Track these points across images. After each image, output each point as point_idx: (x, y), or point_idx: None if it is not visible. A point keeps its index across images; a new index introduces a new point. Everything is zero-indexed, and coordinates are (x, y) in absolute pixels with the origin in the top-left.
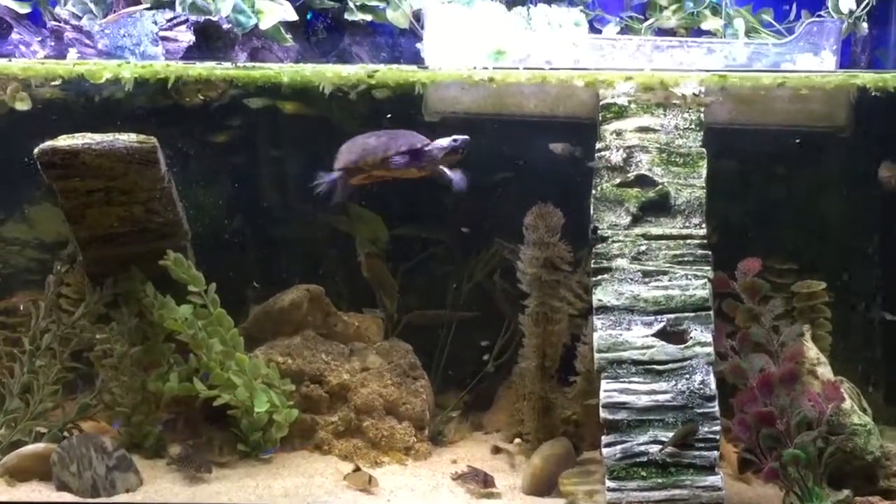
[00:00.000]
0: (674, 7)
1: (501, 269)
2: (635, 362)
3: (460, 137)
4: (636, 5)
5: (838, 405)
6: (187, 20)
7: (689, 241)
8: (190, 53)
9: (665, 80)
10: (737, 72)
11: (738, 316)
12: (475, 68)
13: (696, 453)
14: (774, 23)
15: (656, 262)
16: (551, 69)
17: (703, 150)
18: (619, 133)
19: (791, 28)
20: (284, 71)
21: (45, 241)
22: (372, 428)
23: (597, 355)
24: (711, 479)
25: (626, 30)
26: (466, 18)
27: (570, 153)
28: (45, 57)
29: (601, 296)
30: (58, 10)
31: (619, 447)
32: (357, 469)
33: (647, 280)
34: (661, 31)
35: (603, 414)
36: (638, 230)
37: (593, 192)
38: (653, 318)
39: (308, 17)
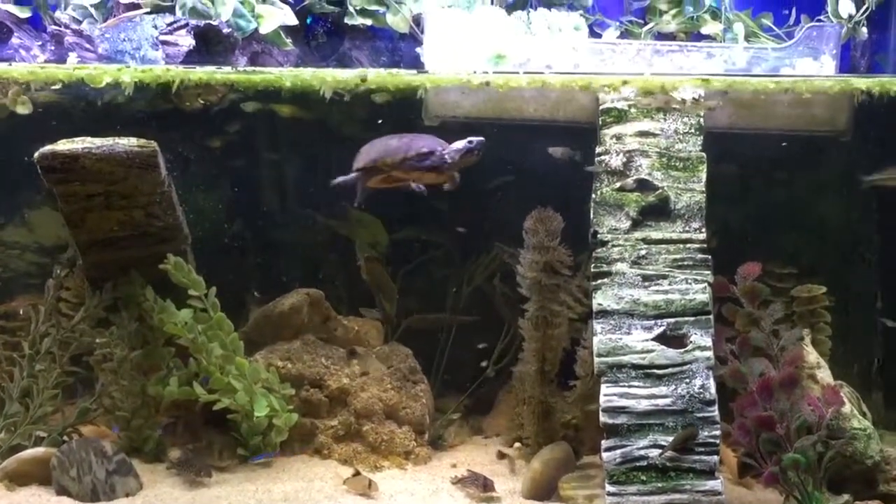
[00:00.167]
0: (674, 11)
1: (501, 273)
2: (635, 366)
3: (475, 139)
4: (636, 10)
5: (838, 409)
6: (187, 24)
7: (688, 245)
8: (190, 58)
9: (665, 84)
10: (734, 76)
11: (738, 320)
12: (475, 72)
13: (696, 458)
14: (774, 27)
15: (656, 267)
16: (551, 73)
17: (703, 154)
18: (619, 137)
19: (790, 32)
20: (284, 75)
21: (44, 245)
22: (372, 432)
23: (596, 359)
24: (711, 484)
25: (625, 34)
26: (466, 23)
27: (569, 157)
28: (46, 61)
29: (601, 300)
30: (58, 14)
31: (618, 451)
32: (357, 473)
33: (646, 284)
34: (661, 36)
35: (603, 418)
36: (638, 234)
37: (593, 196)
38: (653, 322)
39: (308, 21)
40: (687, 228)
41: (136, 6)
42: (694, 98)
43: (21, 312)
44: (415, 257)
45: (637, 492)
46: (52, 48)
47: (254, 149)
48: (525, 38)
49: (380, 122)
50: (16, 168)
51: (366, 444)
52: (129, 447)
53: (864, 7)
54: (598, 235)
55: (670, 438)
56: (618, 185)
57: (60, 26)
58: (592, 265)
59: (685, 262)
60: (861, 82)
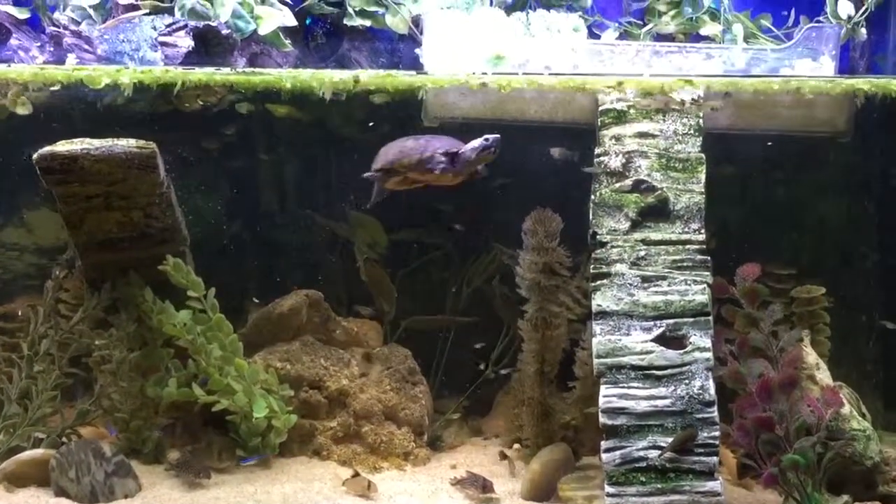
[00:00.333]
0: (673, 12)
1: (500, 274)
2: (634, 367)
3: (491, 137)
4: (635, 11)
5: (837, 410)
6: (186, 25)
7: (688, 246)
8: (189, 59)
9: (664, 85)
10: (733, 77)
11: (738, 321)
12: (473, 73)
13: (696, 459)
14: (773, 28)
15: (655, 268)
16: (550, 74)
17: (702, 155)
18: (618, 138)
19: (790, 33)
20: (283, 76)
21: (43, 247)
22: (371, 433)
23: (596, 360)
24: (711, 485)
25: (624, 35)
26: (465, 24)
27: (566, 157)
28: (45, 62)
29: (600, 301)
30: (57, 15)
31: (618, 452)
32: (356, 474)
33: (646, 285)
34: (660, 37)
35: (602, 419)
36: (637, 235)
37: (592, 197)
38: (652, 323)
39: (307, 22)
40: (686, 229)
41: (135, 7)
42: (693, 99)
43: (20, 314)
44: (414, 258)
45: (636, 493)
46: (51, 49)
47: (253, 150)
48: (524, 40)
49: (371, 124)
50: (14, 169)
51: (365, 445)
52: (128, 448)
53: (863, 8)
54: (598, 236)
55: (670, 439)
56: (617, 186)
57: (59, 27)
58: (591, 266)
59: (684, 263)
60: (861, 83)
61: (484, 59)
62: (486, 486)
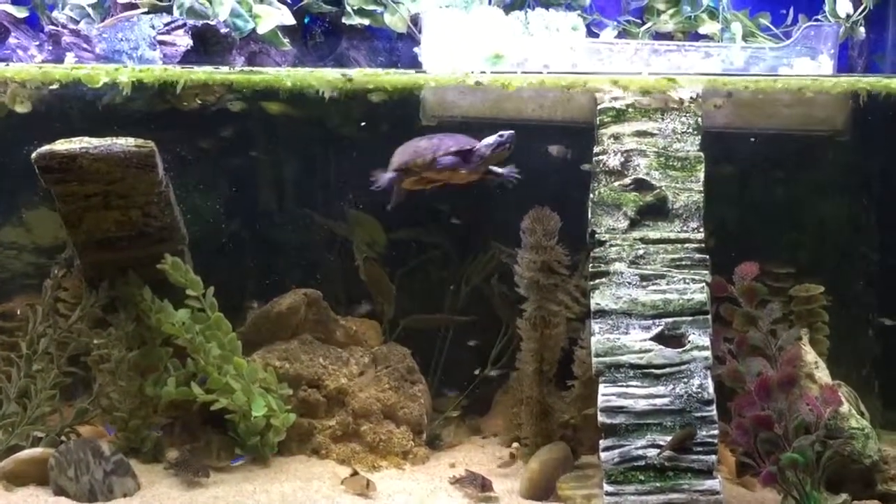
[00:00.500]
0: (671, 11)
1: (499, 272)
2: (633, 366)
3: (506, 133)
4: (634, 9)
5: (836, 409)
6: (185, 24)
7: (686, 244)
8: (188, 58)
9: (663, 83)
10: (732, 76)
11: (736, 320)
12: (472, 72)
13: (695, 457)
14: (772, 27)
15: (654, 266)
16: (549, 73)
17: (701, 153)
18: (616, 137)
19: (788, 32)
20: (281, 75)
21: (42, 246)
22: (370, 432)
23: (594, 359)
24: (709, 483)
25: (623, 34)
26: (464, 23)
27: (564, 155)
28: (43, 61)
29: (599, 300)
30: (55, 14)
31: (616, 451)
32: (355, 473)
33: (644, 284)
34: (659, 35)
35: (601, 418)
36: (636, 234)
37: (591, 195)
38: (651, 322)
39: (306, 21)
40: (685, 228)
41: (134, 6)
42: (691, 97)
43: (18, 312)
44: (412, 257)
45: (635, 491)
46: (50, 48)
47: (251, 148)
48: (523, 38)
49: (363, 123)
50: (13, 168)
51: (364, 444)
52: (126, 447)
53: (862, 7)
54: (596, 235)
55: (668, 438)
56: (616, 184)
57: (58, 26)
58: (590, 265)
59: (683, 262)
60: (860, 81)
61: (483, 57)
62: (484, 485)
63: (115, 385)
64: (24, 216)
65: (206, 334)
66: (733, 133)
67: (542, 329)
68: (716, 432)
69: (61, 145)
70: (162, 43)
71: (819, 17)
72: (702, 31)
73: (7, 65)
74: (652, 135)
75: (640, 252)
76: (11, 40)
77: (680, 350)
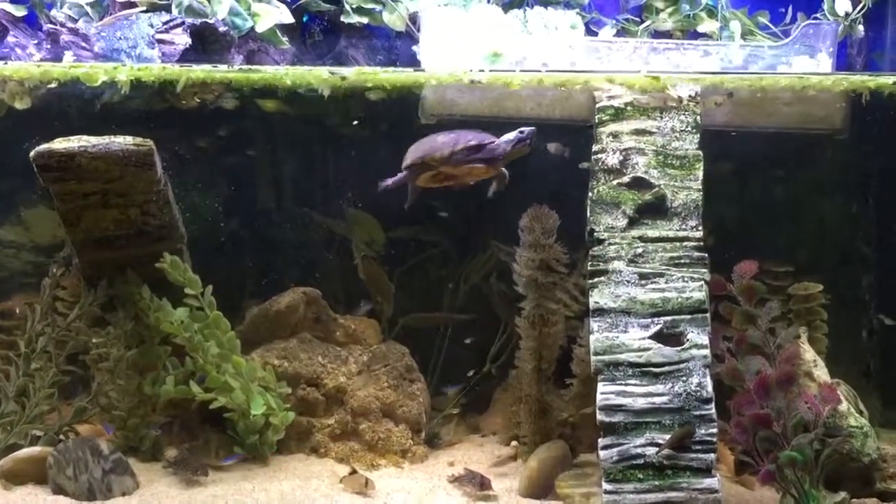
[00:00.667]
0: (670, 9)
1: (498, 271)
2: (632, 365)
3: (526, 129)
4: (632, 8)
5: (835, 407)
6: (183, 23)
7: (685, 243)
8: (186, 56)
9: (662, 82)
10: (731, 74)
11: (735, 318)
12: (471, 70)
13: (693, 456)
14: (771, 25)
15: (653, 265)
16: (547, 71)
17: (700, 152)
18: (615, 135)
19: (787, 30)
20: (279, 73)
21: (40, 244)
22: (368, 431)
23: (593, 358)
24: (708, 482)
25: (622, 32)
26: (463, 21)
27: (561, 153)
28: (42, 60)
29: (598, 298)
30: (54, 12)
31: (615, 449)
32: (353, 472)
33: (643, 282)
34: (658, 34)
35: (600, 416)
36: (634, 232)
37: (589, 194)
38: (649, 320)
39: (304, 19)
40: (683, 226)
41: (133, 4)
42: (690, 95)
43: (17, 311)
44: (411, 256)
45: (634, 490)
46: (48, 47)
47: (250, 147)
48: (521, 37)
49: (355, 122)
50: (11, 167)
51: (362, 442)
52: (125, 446)
53: (861, 5)
54: (595, 233)
55: (667, 436)
56: (614, 183)
57: (56, 25)
58: (589, 263)
59: (682, 261)
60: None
61: (481, 56)
62: (483, 484)
63: (114, 384)
64: (22, 215)
65: (204, 333)
66: (732, 132)
67: (540, 327)
68: (715, 431)
69: (59, 144)
70: (160, 41)
71: (818, 15)
72: (700, 29)
73: (5, 63)
74: (651, 133)
75: (639, 250)
76: (10, 39)
77: (679, 348)
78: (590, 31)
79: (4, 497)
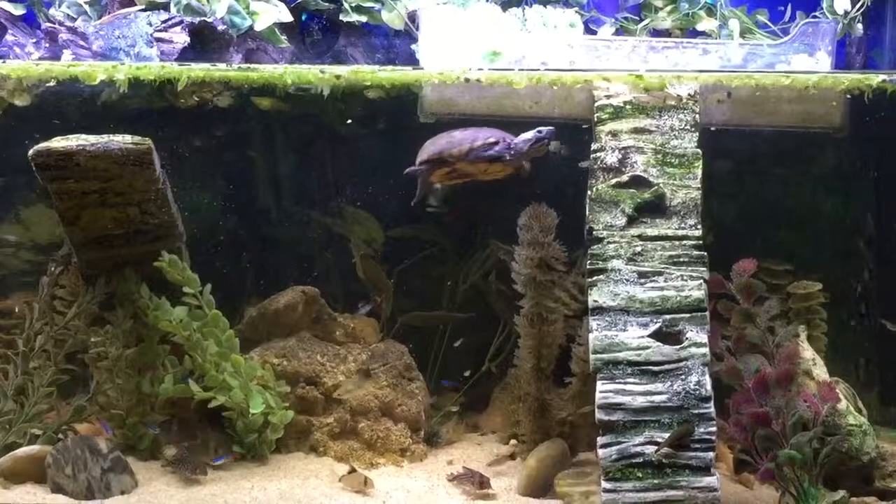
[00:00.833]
0: (669, 8)
1: (497, 269)
2: (631, 363)
3: (545, 128)
4: (631, 6)
5: (834, 406)
6: (182, 21)
7: (684, 242)
8: (185, 55)
9: (661, 80)
10: (730, 72)
11: (734, 317)
12: (470, 69)
13: (692, 454)
14: (770, 23)
15: (652, 263)
16: (546, 70)
17: (699, 150)
18: (614, 134)
19: (786, 29)
20: (277, 72)
21: (39, 243)
22: (367, 429)
23: (592, 356)
24: (707, 480)
25: (621, 31)
26: (461, 20)
27: (558, 151)
28: (40, 58)
29: (597, 297)
30: (52, 11)
31: (614, 448)
32: (352, 471)
33: (642, 281)
34: (657, 32)
35: (599, 415)
36: (633, 231)
37: (588, 192)
38: (648, 319)
39: (303, 18)
40: (682, 225)
41: (131, 3)
42: (689, 94)
43: (16, 310)
44: (410, 255)
45: (633, 488)
46: (47, 45)
47: (248, 145)
48: (520, 35)
49: (349, 121)
50: (9, 166)
51: (361, 441)
52: (124, 445)
53: (860, 3)
54: (594, 232)
55: (666, 435)
56: (613, 181)
57: (55, 23)
58: (588, 262)
59: (681, 259)
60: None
61: (480, 54)
62: (482, 482)
63: (113, 382)
64: (21, 213)
65: (203, 331)
66: (731, 130)
67: (539, 326)
68: (714, 429)
69: (58, 142)
70: (159, 40)
71: (817, 13)
72: (699, 27)
73: (4, 62)
74: (650, 132)
75: (638, 249)
76: (8, 38)
77: (678, 347)
78: (589, 30)
79: (3, 496)
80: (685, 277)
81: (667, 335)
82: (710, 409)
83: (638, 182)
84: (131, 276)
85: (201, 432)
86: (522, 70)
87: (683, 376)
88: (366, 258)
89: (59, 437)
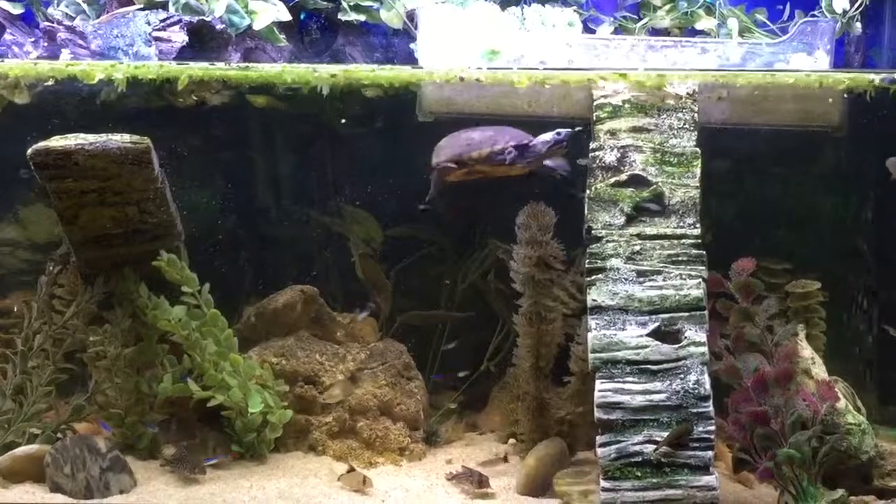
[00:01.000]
0: (667, 7)
1: (496, 268)
2: (630, 362)
3: (563, 131)
4: (630, 5)
5: (833, 405)
6: (180, 20)
7: (683, 240)
8: (183, 54)
9: (659, 79)
10: (729, 71)
11: (733, 316)
12: (469, 68)
13: (691, 453)
14: (768, 22)
15: (651, 262)
16: (545, 69)
17: (698, 149)
18: (613, 133)
19: (785, 28)
20: (273, 70)
21: (37, 242)
22: (366, 428)
23: (591, 355)
24: (706, 479)
25: (619, 30)
26: (460, 18)
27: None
28: (38, 58)
29: (595, 296)
30: (51, 10)
31: (613, 447)
32: (351, 470)
33: (641, 280)
34: (655, 31)
35: (597, 414)
36: (632, 230)
37: (587, 191)
38: (647, 317)
39: (301, 17)
40: (681, 224)
41: (130, 2)
42: (688, 93)
43: (15, 309)
44: (409, 254)
45: (632, 487)
46: (45, 44)
47: (246, 145)
48: (519, 34)
49: (343, 121)
50: (8, 165)
51: (360, 440)
52: (123, 444)
53: (858, 2)
54: (593, 231)
55: (665, 434)
56: (612, 180)
57: (53, 22)
58: (586, 261)
59: (679, 258)
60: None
61: (479, 53)
62: (481, 481)
63: (112, 381)
64: (19, 213)
65: (202, 331)
66: (729, 129)
67: (538, 325)
68: (712, 428)
69: (57, 142)
70: (157, 39)
71: (815, 12)
72: (698, 26)
73: (2, 61)
74: (648, 131)
75: (637, 248)
76: (7, 37)
77: (676, 346)
78: (587, 29)
79: (2, 495)
80: (684, 276)
81: (665, 334)
82: (709, 407)
83: (637, 181)
84: (130, 276)
85: (200, 431)
86: (522, 69)
87: (682, 375)
88: (365, 257)
89: (58, 436)
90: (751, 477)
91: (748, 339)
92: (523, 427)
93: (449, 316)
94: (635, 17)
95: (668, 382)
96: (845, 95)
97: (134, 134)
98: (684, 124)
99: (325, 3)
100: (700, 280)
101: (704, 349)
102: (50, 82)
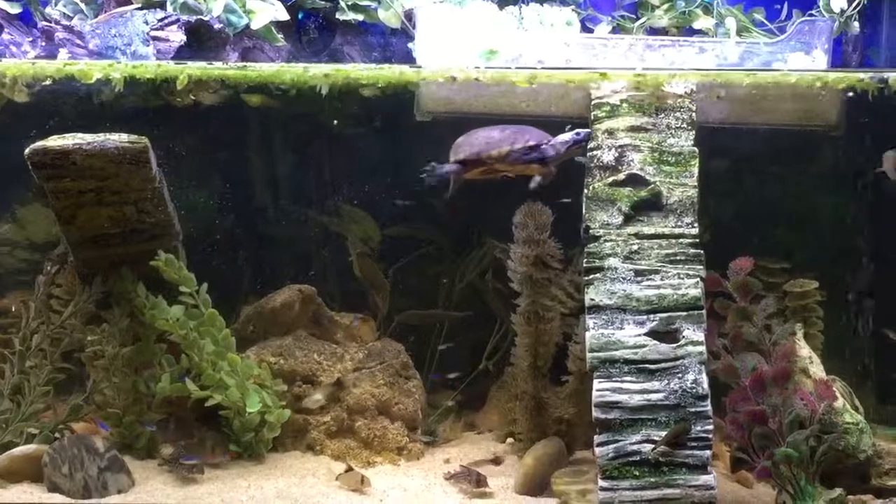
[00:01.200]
0: (665, 6)
1: (493, 268)
2: (627, 361)
3: (582, 130)
4: (628, 4)
5: (830, 404)
6: (178, 20)
7: (681, 240)
8: (181, 53)
9: (658, 78)
10: (727, 71)
11: (731, 315)
12: (466, 67)
13: (689, 452)
14: (766, 22)
15: (648, 262)
16: (543, 69)
17: (695, 149)
18: (610, 132)
19: (782, 27)
20: (269, 70)
21: (35, 242)
22: (364, 428)
23: (589, 355)
24: (704, 478)
25: (617, 29)
26: (458, 18)
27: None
28: (36, 57)
29: (593, 295)
30: (48, 10)
31: (611, 446)
32: (349, 469)
33: (639, 279)
34: (653, 31)
35: (595, 413)
36: (630, 229)
37: (585, 191)
38: (645, 317)
39: (299, 16)
40: (679, 223)
41: (128, 2)
42: (686, 92)
43: (12, 309)
44: (407, 253)
45: (630, 486)
46: (43, 44)
47: (245, 144)
48: (517, 34)
49: (336, 122)
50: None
51: (358, 439)
52: (121, 444)
53: (856, 2)
54: (591, 230)
55: (663, 433)
56: (610, 179)
57: (51, 22)
58: (584, 260)
59: (677, 257)
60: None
61: (477, 53)
62: (479, 481)
63: (109, 381)
64: (17, 212)
65: (200, 330)
66: (728, 128)
67: (536, 324)
68: (710, 427)
69: (54, 141)
70: (155, 39)
71: (813, 12)
72: (696, 26)
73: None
74: (646, 130)
75: (635, 247)
76: (4, 36)
77: (674, 345)
78: (585, 28)
79: (0, 495)
80: (682, 275)
81: (663, 333)
82: (707, 407)
83: (635, 180)
84: (128, 275)
85: (198, 431)
86: (519, 68)
87: (680, 374)
88: (362, 257)
89: (56, 436)
90: (749, 476)
91: (746, 339)
92: (521, 426)
93: (447, 315)
94: (633, 16)
95: (666, 382)
96: (842, 95)
97: (132, 133)
98: (682, 124)
99: (322, 2)
100: (698, 279)
101: (702, 348)
102: (48, 82)
